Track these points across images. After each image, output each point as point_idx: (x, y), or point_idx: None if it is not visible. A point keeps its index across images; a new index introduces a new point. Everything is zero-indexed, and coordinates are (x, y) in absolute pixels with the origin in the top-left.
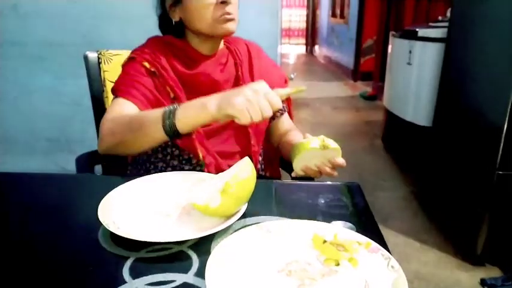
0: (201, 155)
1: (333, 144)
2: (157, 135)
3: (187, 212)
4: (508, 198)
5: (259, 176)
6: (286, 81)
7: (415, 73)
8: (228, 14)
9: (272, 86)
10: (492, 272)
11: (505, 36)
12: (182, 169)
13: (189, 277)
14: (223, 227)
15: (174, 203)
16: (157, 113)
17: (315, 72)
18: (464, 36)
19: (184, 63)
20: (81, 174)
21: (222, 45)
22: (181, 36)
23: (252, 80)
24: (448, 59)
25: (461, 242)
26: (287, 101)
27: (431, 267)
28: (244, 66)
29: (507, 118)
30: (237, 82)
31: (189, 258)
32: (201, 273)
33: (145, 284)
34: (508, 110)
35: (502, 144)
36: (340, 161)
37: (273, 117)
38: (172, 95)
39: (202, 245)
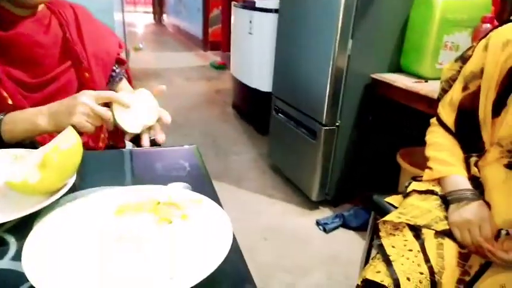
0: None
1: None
2: None
3: (3, 194)
4: (333, 148)
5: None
6: (121, 46)
7: (255, 42)
8: None
9: (107, 52)
10: (325, 213)
11: (324, 9)
12: None
13: (5, 262)
14: (44, 205)
15: None
16: None
17: (165, 42)
18: (292, 7)
19: None
20: None
21: (41, 7)
22: None
23: (83, 43)
24: (280, 28)
25: (300, 191)
26: (124, 66)
27: (278, 217)
28: (71, 28)
29: (328, 82)
30: (66, 44)
31: (5, 243)
32: (20, 257)
33: None
34: (329, 74)
35: (325, 105)
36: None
37: (112, 83)
38: None
39: (24, 227)
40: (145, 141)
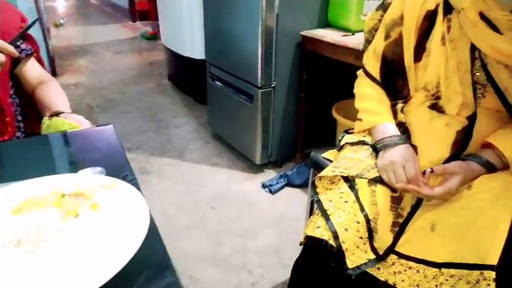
0: None
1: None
2: None
3: None
4: (270, 109)
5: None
6: (24, 20)
7: (183, 9)
8: None
9: (3, 22)
10: (269, 175)
11: None
12: None
13: None
14: None
15: None
16: None
17: (88, 15)
18: None
19: None
20: None
21: None
22: None
23: None
24: None
25: (244, 157)
26: (31, 43)
27: (224, 185)
28: None
29: (259, 43)
30: None
31: None
32: None
33: None
34: (259, 35)
35: (259, 67)
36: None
37: (17, 60)
38: None
39: None
40: None
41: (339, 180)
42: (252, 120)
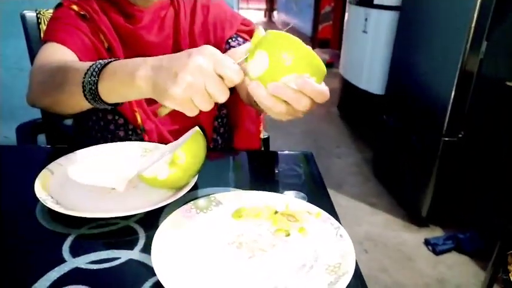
0: (139, 120)
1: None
2: (78, 98)
3: (133, 185)
4: (452, 163)
5: (213, 148)
6: (248, 25)
7: (370, 41)
8: None
9: (222, 38)
10: (435, 232)
11: (456, 6)
12: (129, 140)
13: (135, 253)
14: (172, 200)
15: (120, 176)
16: (83, 66)
17: None
18: (417, 4)
19: (119, 14)
20: (22, 146)
21: None
22: None
23: (192, 35)
24: (401, 27)
25: (408, 205)
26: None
27: (379, 228)
28: (184, 19)
29: (454, 87)
30: (177, 37)
31: (135, 233)
32: (147, 249)
33: (87, 263)
34: (456, 78)
35: (448, 112)
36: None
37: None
38: (106, 45)
39: (150, 220)
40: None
41: None
42: (426, 168)
